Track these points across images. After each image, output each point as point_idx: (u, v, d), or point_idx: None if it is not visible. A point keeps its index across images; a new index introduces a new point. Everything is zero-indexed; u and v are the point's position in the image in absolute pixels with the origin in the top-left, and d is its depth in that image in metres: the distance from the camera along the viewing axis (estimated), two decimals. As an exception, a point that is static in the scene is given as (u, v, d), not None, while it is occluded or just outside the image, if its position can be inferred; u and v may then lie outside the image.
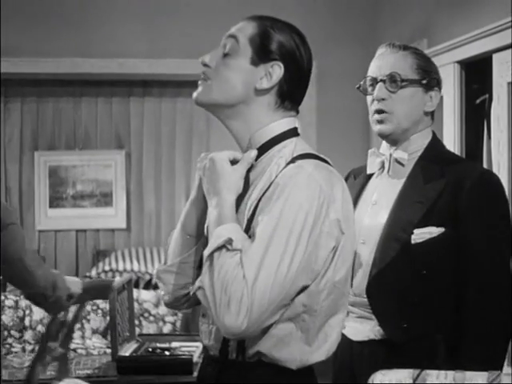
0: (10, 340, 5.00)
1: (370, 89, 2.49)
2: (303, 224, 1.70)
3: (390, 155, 2.49)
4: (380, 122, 2.46)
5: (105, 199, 7.17)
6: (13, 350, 4.93)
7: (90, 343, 4.78)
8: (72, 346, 4.85)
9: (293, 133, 1.91)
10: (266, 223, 1.72)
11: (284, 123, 1.90)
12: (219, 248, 1.71)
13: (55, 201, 7.14)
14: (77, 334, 4.98)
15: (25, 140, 7.13)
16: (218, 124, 7.34)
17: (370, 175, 2.58)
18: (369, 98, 2.51)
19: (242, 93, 1.87)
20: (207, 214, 1.86)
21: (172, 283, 1.98)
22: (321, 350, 1.83)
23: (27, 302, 5.10)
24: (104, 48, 6.42)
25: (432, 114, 2.55)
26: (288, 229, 1.70)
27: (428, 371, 1.83)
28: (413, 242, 2.37)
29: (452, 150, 4.64)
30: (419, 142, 2.49)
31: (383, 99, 2.44)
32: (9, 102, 7.06)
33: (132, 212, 7.18)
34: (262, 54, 1.86)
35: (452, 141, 4.59)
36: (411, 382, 1.88)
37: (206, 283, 1.71)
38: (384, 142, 2.55)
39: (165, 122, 7.18)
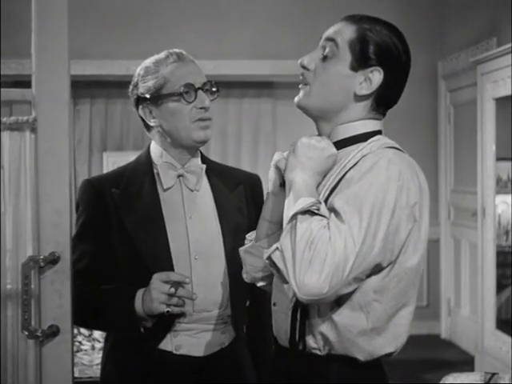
0: (79, 338, 5.06)
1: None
2: (383, 202, 1.69)
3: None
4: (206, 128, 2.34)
5: (171, 199, 7.24)
6: (82, 347, 4.98)
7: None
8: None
9: (376, 135, 1.88)
10: (348, 198, 1.70)
11: (369, 124, 1.88)
12: (304, 212, 1.69)
13: (123, 201, 7.23)
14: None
15: (94, 141, 7.24)
16: (284, 123, 7.23)
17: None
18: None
19: (342, 99, 1.85)
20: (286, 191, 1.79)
21: (251, 264, 1.99)
22: (391, 342, 1.80)
23: (96, 301, 5.18)
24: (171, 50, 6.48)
25: None
26: (370, 205, 1.68)
27: (500, 374, 1.81)
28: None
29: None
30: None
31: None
32: (78, 104, 7.18)
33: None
34: (361, 59, 1.83)
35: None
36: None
37: (286, 244, 1.68)
38: (167, 153, 2.38)
39: (231, 122, 7.28)
